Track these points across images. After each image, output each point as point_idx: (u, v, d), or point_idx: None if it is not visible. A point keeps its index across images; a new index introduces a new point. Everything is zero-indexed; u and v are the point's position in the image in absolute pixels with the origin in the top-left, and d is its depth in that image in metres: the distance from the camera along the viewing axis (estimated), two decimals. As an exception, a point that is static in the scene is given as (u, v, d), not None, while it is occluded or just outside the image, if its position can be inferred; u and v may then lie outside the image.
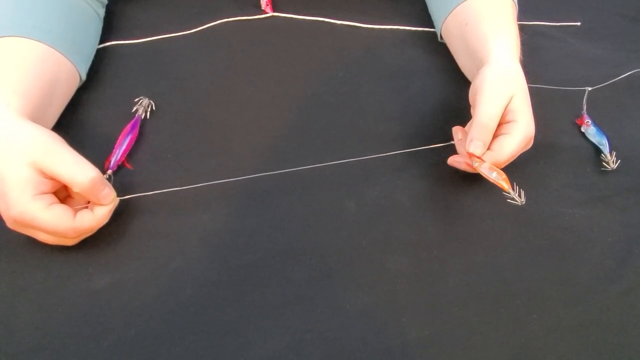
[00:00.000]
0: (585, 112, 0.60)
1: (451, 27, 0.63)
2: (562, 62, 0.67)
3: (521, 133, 0.49)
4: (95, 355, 0.41)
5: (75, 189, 0.43)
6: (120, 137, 0.53)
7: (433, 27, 0.69)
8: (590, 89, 0.59)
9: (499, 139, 0.49)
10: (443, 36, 0.66)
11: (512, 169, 0.54)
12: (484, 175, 0.47)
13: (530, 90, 0.52)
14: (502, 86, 0.51)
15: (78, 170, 0.43)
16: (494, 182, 0.46)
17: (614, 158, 0.55)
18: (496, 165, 0.49)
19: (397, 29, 0.69)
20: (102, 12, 0.64)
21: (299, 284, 0.46)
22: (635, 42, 0.72)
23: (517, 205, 0.47)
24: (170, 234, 0.48)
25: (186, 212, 0.50)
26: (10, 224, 0.44)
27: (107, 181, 0.46)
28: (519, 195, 0.46)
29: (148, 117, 0.56)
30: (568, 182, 0.54)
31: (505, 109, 0.50)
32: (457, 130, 0.53)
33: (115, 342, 0.42)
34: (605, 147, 0.56)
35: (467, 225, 0.50)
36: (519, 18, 0.72)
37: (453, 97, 0.61)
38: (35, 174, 0.42)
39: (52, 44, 0.51)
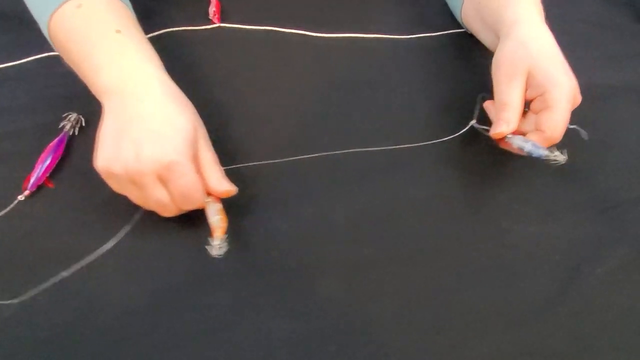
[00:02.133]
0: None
1: (468, 10, 0.63)
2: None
3: (561, 101, 0.46)
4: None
5: (208, 171, 0.45)
6: (43, 155, 0.50)
7: (386, 34, 0.67)
8: (474, 122, 0.53)
9: (544, 117, 0.47)
10: (464, 22, 0.66)
11: (464, 178, 0.52)
12: (209, 223, 0.45)
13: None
14: (514, 64, 0.49)
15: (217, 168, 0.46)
16: (211, 226, 0.44)
17: (557, 153, 0.46)
18: (550, 143, 0.47)
19: (349, 36, 0.67)
20: None
21: (221, 309, 0.43)
22: (598, 49, 0.70)
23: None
24: (86, 255, 0.45)
25: (103, 231, 0.47)
26: (135, 167, 0.41)
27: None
28: (219, 248, 0.43)
29: (77, 133, 0.54)
30: (517, 196, 0.51)
31: (528, 81, 0.48)
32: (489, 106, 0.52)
33: (19, 375, 0.39)
34: (536, 147, 0.46)
35: (405, 244, 0.47)
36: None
37: (398, 109, 0.59)
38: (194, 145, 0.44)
39: None
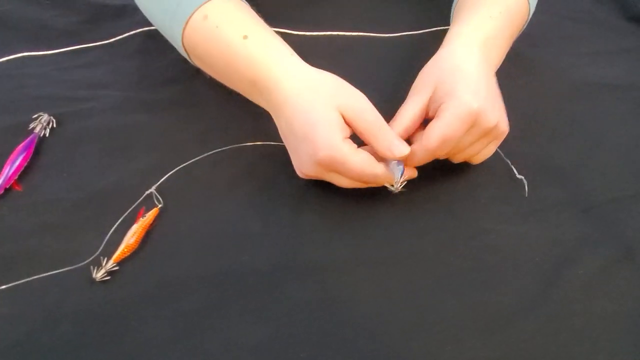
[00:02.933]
0: None
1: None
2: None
3: (449, 112, 0.43)
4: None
5: (372, 139, 0.43)
6: (11, 157, 0.49)
7: (367, 32, 0.66)
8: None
9: (428, 126, 0.44)
10: None
11: (443, 177, 0.51)
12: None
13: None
14: (425, 78, 0.48)
15: (378, 117, 0.44)
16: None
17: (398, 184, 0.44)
18: (430, 154, 0.44)
19: (329, 34, 0.66)
20: None
21: (190, 315, 0.42)
22: (586, 46, 0.69)
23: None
24: (50, 262, 0.44)
25: (67, 235, 0.45)
26: (309, 169, 0.44)
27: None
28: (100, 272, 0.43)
29: (47, 134, 0.53)
30: (497, 195, 0.49)
31: (432, 97, 0.46)
32: None
33: (-22, 385, 0.38)
34: (394, 169, 0.44)
35: (382, 246, 0.46)
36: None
37: (379, 108, 0.57)
38: (341, 117, 0.42)
39: None
